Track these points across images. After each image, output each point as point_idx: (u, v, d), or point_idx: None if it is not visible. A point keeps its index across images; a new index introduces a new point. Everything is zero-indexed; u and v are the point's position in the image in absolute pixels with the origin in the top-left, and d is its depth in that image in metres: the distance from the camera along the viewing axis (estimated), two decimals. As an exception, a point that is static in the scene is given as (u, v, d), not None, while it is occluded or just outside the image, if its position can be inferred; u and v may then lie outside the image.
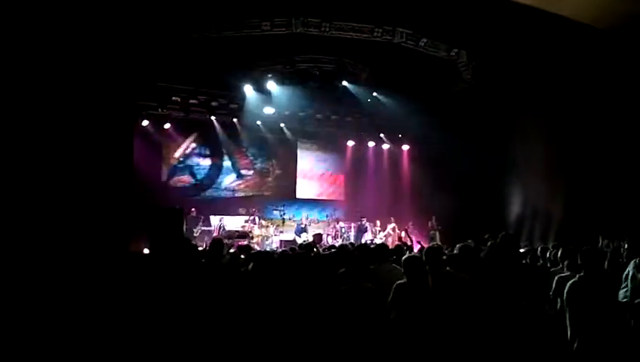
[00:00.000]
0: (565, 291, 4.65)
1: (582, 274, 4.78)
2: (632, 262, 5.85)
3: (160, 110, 17.46)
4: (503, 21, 12.72)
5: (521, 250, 8.48)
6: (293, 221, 18.72)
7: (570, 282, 4.77)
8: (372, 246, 8.89)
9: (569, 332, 4.53)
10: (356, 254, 5.86)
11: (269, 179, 20.56)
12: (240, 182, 20.01)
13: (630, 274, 5.78)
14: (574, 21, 11.64)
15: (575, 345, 4.35)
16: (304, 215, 19.11)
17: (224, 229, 17.07)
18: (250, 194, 19.99)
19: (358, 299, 4.80)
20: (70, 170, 11.36)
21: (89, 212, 11.25)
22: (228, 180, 19.79)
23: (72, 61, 11.44)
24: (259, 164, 20.40)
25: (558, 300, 5.20)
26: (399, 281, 4.82)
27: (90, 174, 11.79)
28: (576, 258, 5.63)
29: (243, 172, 20.13)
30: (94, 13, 11.42)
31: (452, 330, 4.10)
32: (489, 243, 7.16)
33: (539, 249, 8.10)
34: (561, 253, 6.30)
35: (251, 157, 20.27)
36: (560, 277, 5.61)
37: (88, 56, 11.78)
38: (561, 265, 6.16)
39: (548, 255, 7.22)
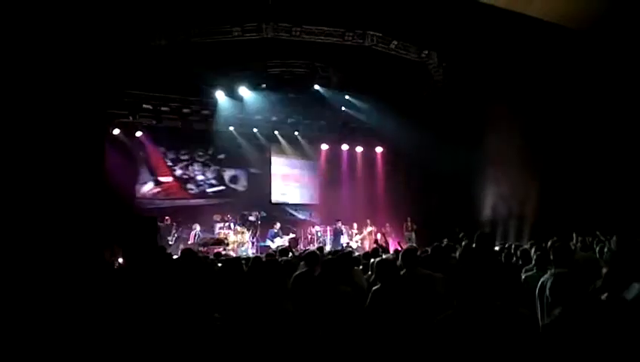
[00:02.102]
0: (537, 289, 4.63)
1: (553, 271, 4.76)
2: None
3: (131, 118, 17.28)
4: (473, 22, 12.86)
5: (496, 248, 8.55)
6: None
7: (542, 279, 4.75)
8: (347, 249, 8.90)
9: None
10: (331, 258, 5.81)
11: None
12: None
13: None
14: (544, 21, 11.82)
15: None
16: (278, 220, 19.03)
17: (199, 237, 16.94)
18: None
19: (333, 302, 4.75)
20: (40, 179, 11.17)
21: (60, 221, 11.06)
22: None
23: (39, 68, 11.26)
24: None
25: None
26: (375, 287, 4.80)
27: (61, 183, 11.61)
28: (545, 255, 5.66)
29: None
30: (62, 21, 11.26)
31: (427, 332, 4.09)
32: (463, 243, 7.20)
33: (512, 247, 8.16)
34: (532, 251, 6.29)
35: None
36: (528, 276, 5.64)
37: (56, 64, 11.60)
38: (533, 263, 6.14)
39: (519, 253, 7.24)
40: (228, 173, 20.36)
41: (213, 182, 20.01)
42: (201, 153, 19.83)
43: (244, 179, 20.61)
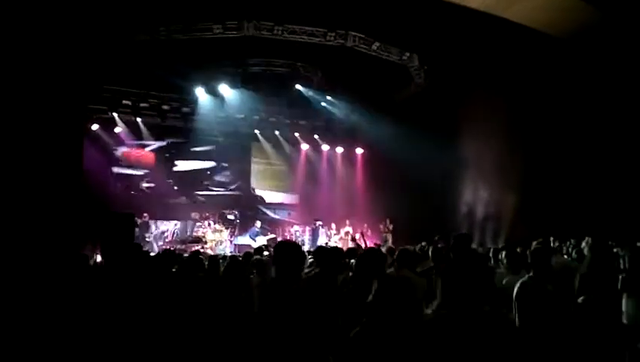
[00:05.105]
0: (514, 292, 4.63)
1: (530, 274, 4.77)
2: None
3: (110, 113, 17.10)
4: (454, 26, 12.94)
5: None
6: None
7: (519, 282, 4.76)
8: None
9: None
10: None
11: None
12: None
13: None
14: (525, 26, 11.96)
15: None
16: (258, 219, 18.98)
17: (177, 234, 16.85)
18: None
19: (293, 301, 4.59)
20: (17, 175, 11.04)
21: (37, 218, 10.94)
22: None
23: (17, 63, 11.11)
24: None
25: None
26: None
27: (37, 179, 11.47)
28: (517, 259, 5.69)
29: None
30: (43, 15, 11.13)
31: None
32: (439, 246, 7.25)
33: (491, 250, 8.19)
34: (505, 254, 6.29)
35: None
36: (508, 280, 5.64)
37: (35, 58, 11.46)
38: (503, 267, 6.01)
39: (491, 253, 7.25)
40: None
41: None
42: None
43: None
